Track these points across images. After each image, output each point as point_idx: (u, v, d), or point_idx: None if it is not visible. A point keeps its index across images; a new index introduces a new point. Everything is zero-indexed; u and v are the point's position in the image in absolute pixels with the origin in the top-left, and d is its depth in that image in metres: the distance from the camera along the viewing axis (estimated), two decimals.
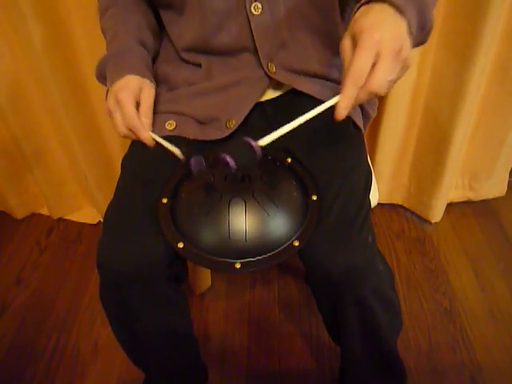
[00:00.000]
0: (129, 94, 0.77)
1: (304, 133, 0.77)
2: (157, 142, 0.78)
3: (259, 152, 0.61)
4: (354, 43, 0.60)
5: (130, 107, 0.77)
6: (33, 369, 1.20)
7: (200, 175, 0.70)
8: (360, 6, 0.64)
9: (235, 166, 0.60)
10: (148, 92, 0.82)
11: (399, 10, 0.60)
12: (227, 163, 0.60)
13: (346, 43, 0.62)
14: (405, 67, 0.61)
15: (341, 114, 0.61)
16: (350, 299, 0.77)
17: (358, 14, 0.63)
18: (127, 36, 0.87)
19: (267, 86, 0.88)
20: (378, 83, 0.58)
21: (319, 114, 0.65)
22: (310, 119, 0.66)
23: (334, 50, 0.83)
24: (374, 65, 0.58)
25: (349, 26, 0.63)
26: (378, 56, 0.58)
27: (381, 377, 0.95)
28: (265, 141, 0.62)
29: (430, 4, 0.66)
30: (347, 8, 0.86)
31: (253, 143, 0.61)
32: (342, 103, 0.60)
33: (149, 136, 0.78)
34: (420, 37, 0.66)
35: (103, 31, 0.92)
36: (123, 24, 0.89)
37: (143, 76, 0.82)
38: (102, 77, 0.86)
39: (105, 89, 0.85)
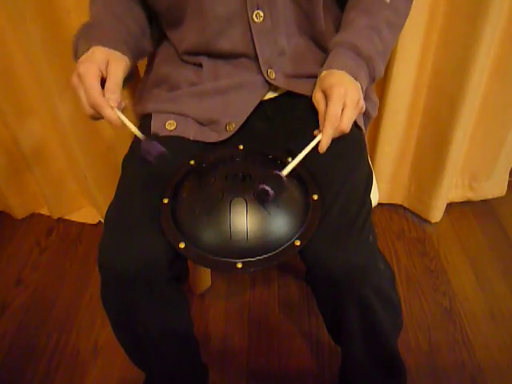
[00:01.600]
0: (92, 67, 0.71)
1: (305, 133, 0.78)
2: (121, 122, 0.72)
3: (285, 179, 0.72)
4: (325, 95, 0.78)
5: (92, 82, 0.70)
6: (33, 369, 1.20)
7: (158, 158, 0.69)
8: (322, 71, 0.81)
9: (272, 194, 0.70)
10: (115, 64, 0.74)
11: (354, 76, 0.79)
12: (268, 192, 0.69)
13: (319, 95, 0.79)
14: (361, 111, 0.80)
15: (323, 148, 0.75)
16: (350, 298, 0.78)
17: (323, 75, 0.80)
18: (102, 10, 0.83)
19: (267, 91, 0.89)
20: (346, 124, 0.75)
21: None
22: (311, 122, 0.80)
23: (322, 49, 0.90)
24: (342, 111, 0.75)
25: (317, 83, 0.82)
26: (344, 105, 0.75)
27: (381, 376, 0.95)
28: (286, 170, 0.73)
29: (375, 59, 0.83)
30: (329, 17, 0.90)
31: (280, 174, 0.72)
32: (323, 141, 0.75)
33: (113, 114, 0.70)
34: (372, 83, 0.88)
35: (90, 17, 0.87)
36: (104, 6, 0.85)
37: (112, 47, 0.76)
38: (75, 52, 0.81)
39: None
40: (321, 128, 0.77)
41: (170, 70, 0.92)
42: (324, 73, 0.81)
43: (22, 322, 1.31)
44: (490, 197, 1.60)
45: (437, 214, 1.53)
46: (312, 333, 1.25)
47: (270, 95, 0.92)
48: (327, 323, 0.94)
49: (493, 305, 1.29)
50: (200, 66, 0.90)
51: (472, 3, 1.10)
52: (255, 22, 0.83)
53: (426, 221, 1.56)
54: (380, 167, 1.49)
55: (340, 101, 0.75)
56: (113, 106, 0.71)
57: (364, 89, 0.81)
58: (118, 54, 0.76)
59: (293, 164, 0.73)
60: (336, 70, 0.79)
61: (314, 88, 0.88)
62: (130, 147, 0.92)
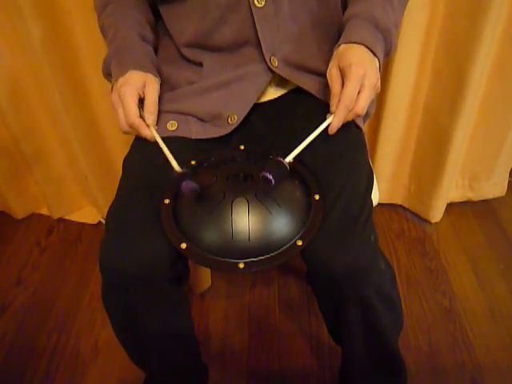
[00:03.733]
0: (131, 90, 0.78)
1: (306, 132, 0.77)
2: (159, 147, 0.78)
3: (287, 167, 0.72)
4: (342, 73, 0.75)
5: (131, 104, 0.77)
6: (33, 369, 1.20)
7: (190, 195, 0.72)
8: (340, 45, 0.79)
9: (273, 181, 0.70)
10: (152, 86, 0.82)
11: (372, 52, 0.77)
12: (268, 179, 0.69)
13: (335, 72, 0.76)
14: (377, 92, 0.78)
15: (333, 130, 0.75)
16: (352, 298, 0.78)
17: (341, 50, 0.78)
18: (129, 32, 0.87)
19: (269, 81, 0.88)
20: (362, 107, 0.74)
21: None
22: (312, 123, 0.78)
23: (331, 45, 0.86)
24: (358, 93, 0.74)
25: (334, 55, 0.79)
26: (362, 87, 0.73)
27: (382, 376, 0.95)
28: (290, 157, 0.73)
29: (392, 32, 0.81)
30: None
31: (283, 161, 0.72)
32: (335, 123, 0.75)
33: (150, 134, 0.79)
34: (386, 58, 0.85)
35: (102, 28, 0.91)
36: (124, 20, 0.89)
37: (146, 71, 0.83)
38: (108, 74, 0.87)
39: (107, 86, 0.85)
40: (332, 108, 0.75)
41: (170, 71, 0.92)
42: (342, 47, 0.78)
43: (22, 321, 1.31)
44: (490, 197, 1.60)
45: (437, 214, 1.53)
46: (312, 333, 1.25)
47: (272, 95, 0.91)
48: (328, 323, 0.94)
49: (493, 305, 1.29)
50: (200, 64, 0.90)
51: (472, 3, 1.10)
52: (257, 7, 0.81)
53: (426, 221, 1.56)
54: (380, 167, 1.49)
55: (358, 82, 0.73)
56: (149, 123, 0.80)
57: (381, 65, 0.79)
58: (151, 76, 0.84)
59: (298, 149, 0.73)
60: (355, 45, 0.77)
61: (316, 86, 0.88)
62: (131, 147, 0.92)
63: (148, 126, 0.81)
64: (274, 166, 0.71)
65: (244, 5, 0.82)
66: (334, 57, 0.80)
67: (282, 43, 0.86)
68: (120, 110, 0.78)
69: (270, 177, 0.69)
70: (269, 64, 0.85)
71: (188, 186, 0.71)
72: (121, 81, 0.80)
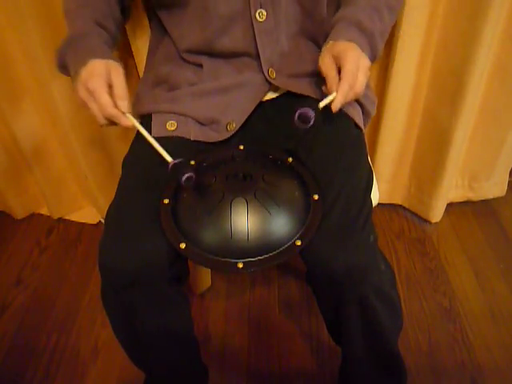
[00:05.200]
0: (99, 81, 0.74)
1: (305, 132, 0.78)
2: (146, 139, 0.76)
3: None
4: (336, 60, 0.77)
5: (104, 96, 0.74)
6: (33, 369, 1.20)
7: (187, 185, 0.72)
8: (328, 41, 0.81)
9: (312, 119, 0.71)
10: (117, 73, 0.76)
11: (361, 47, 0.79)
12: (308, 116, 0.71)
13: (328, 60, 0.78)
14: (368, 79, 0.80)
15: (337, 106, 0.75)
16: (351, 298, 0.78)
17: (330, 44, 0.80)
18: (86, 19, 0.83)
19: (267, 90, 0.89)
20: (361, 85, 0.76)
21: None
22: None
23: (319, 50, 0.88)
24: None
25: (324, 49, 0.81)
26: (358, 68, 0.75)
27: (381, 376, 0.95)
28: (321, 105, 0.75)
29: (377, 38, 0.83)
30: (331, 12, 0.89)
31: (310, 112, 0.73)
32: (338, 99, 0.74)
33: (128, 121, 0.75)
34: (372, 63, 0.85)
35: (64, 13, 0.87)
36: (83, 7, 0.85)
37: (107, 57, 0.78)
38: (63, 66, 0.82)
39: None
40: (332, 88, 0.76)
41: (170, 70, 0.92)
42: (331, 42, 0.80)
43: (22, 321, 1.31)
44: (490, 197, 1.60)
45: (437, 214, 1.53)
46: (312, 333, 1.25)
47: (271, 96, 0.92)
48: (328, 323, 0.94)
49: (493, 305, 1.29)
50: (200, 66, 0.90)
51: (472, 3, 1.10)
52: (258, 21, 0.83)
53: (426, 221, 1.56)
54: (380, 167, 1.49)
55: (355, 62, 0.75)
56: (124, 111, 0.75)
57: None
58: (113, 62, 0.78)
59: (326, 101, 0.74)
60: (344, 41, 0.79)
61: (311, 89, 0.88)
62: (131, 147, 0.92)
63: (123, 113, 0.76)
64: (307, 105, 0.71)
65: (246, 17, 0.83)
66: (323, 50, 0.81)
67: (280, 56, 0.88)
68: (92, 105, 0.75)
69: (312, 114, 0.70)
70: (266, 76, 0.87)
71: (184, 175, 0.70)
72: (84, 74, 0.75)
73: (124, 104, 0.75)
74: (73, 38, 0.81)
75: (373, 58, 0.83)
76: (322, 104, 0.74)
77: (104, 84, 0.74)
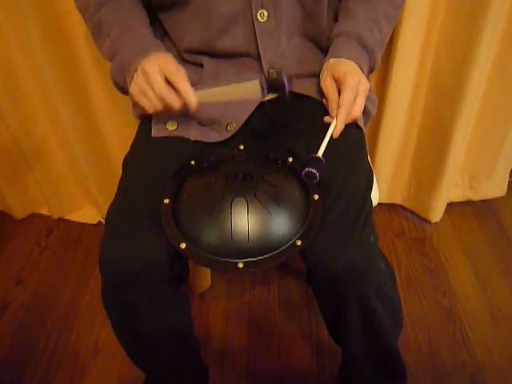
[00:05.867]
0: (156, 67, 0.75)
1: (305, 132, 0.78)
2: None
3: (324, 161, 0.76)
4: (338, 82, 0.80)
5: (160, 79, 0.74)
6: (33, 369, 1.20)
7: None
8: (329, 59, 0.85)
9: (318, 176, 0.73)
10: (173, 61, 0.79)
11: (359, 65, 0.83)
12: (314, 174, 0.73)
13: (329, 81, 0.82)
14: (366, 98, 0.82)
15: (338, 134, 0.78)
16: (351, 298, 0.78)
17: (331, 62, 0.84)
18: (139, 26, 0.85)
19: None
20: (359, 111, 0.79)
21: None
22: (311, 122, 0.86)
23: (321, 48, 0.92)
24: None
25: (324, 68, 0.85)
26: (357, 93, 0.78)
27: (382, 376, 0.95)
28: (320, 152, 0.76)
29: (377, 52, 0.88)
30: (331, 13, 0.91)
31: (320, 156, 0.76)
32: (338, 127, 0.78)
33: (195, 99, 0.75)
34: (369, 74, 0.92)
35: (98, 27, 0.87)
36: (130, 18, 0.86)
37: (163, 50, 0.81)
38: (118, 82, 0.84)
39: (107, 86, 0.82)
40: (331, 114, 0.80)
41: None
42: (332, 60, 0.84)
43: (22, 322, 1.31)
44: (490, 197, 1.60)
45: (437, 214, 1.53)
46: (312, 333, 1.25)
47: (271, 95, 0.92)
48: (328, 323, 0.94)
49: (493, 305, 1.29)
50: (201, 66, 0.90)
51: (472, 3, 1.10)
52: (259, 22, 0.83)
53: (426, 221, 1.56)
54: (380, 167, 1.49)
55: (354, 88, 0.78)
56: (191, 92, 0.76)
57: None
58: (167, 53, 0.81)
59: (324, 144, 0.76)
60: (344, 60, 0.83)
61: (312, 89, 0.88)
62: (131, 147, 0.92)
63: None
64: (312, 161, 0.74)
65: (247, 18, 0.83)
66: (324, 68, 0.85)
67: (281, 57, 0.88)
68: (149, 91, 0.75)
69: (316, 171, 0.72)
70: (267, 76, 0.87)
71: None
72: (143, 62, 0.76)
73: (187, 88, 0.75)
74: (142, 49, 0.81)
75: (371, 70, 0.89)
76: (320, 151, 0.76)
77: (159, 71, 0.75)
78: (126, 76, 0.80)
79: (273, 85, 0.77)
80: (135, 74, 0.77)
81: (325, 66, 0.85)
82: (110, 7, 0.87)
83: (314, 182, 0.74)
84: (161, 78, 0.75)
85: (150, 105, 0.76)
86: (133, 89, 0.77)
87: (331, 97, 0.81)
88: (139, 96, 0.76)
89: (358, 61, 0.83)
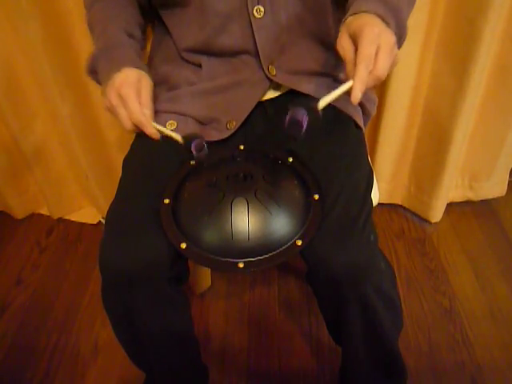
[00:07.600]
0: (131, 89, 0.77)
1: (305, 132, 0.77)
2: (160, 132, 0.78)
3: (320, 113, 0.66)
4: (353, 40, 0.67)
5: (135, 103, 0.76)
6: (33, 369, 1.20)
7: (200, 158, 0.73)
8: (347, 17, 0.71)
9: (304, 126, 0.64)
10: (146, 83, 0.81)
11: (384, 20, 0.68)
12: (299, 123, 0.63)
13: (345, 40, 0.68)
14: (394, 63, 0.67)
15: (357, 96, 0.64)
16: (351, 298, 0.78)
17: (349, 20, 0.69)
18: (117, 30, 0.86)
19: (267, 88, 0.89)
20: (382, 68, 0.64)
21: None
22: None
23: (326, 46, 0.87)
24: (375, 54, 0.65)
25: (341, 27, 0.70)
26: (378, 47, 0.64)
27: (382, 376, 0.95)
28: (321, 105, 0.67)
29: (406, 15, 0.75)
30: (337, 12, 0.86)
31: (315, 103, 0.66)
32: (357, 87, 0.64)
33: (155, 131, 0.77)
34: (399, 46, 0.72)
35: (90, 25, 0.90)
36: (112, 18, 0.87)
37: (139, 67, 0.81)
38: (94, 72, 0.85)
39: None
40: (350, 74, 0.66)
41: (170, 70, 0.92)
42: (350, 18, 0.70)
43: (22, 321, 1.31)
44: (490, 197, 1.60)
45: (437, 214, 1.53)
46: (312, 333, 1.25)
47: (271, 95, 0.92)
48: (328, 323, 0.94)
49: (493, 305, 1.29)
50: (199, 65, 0.90)
51: (472, 3, 1.10)
52: (256, 18, 0.82)
53: (426, 221, 1.56)
54: (380, 167, 1.49)
55: (374, 41, 0.64)
56: (150, 120, 0.77)
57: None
58: (143, 72, 0.81)
59: (327, 100, 0.66)
60: (364, 13, 0.68)
61: (312, 87, 0.88)
62: (131, 147, 0.92)
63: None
64: (308, 112, 0.64)
65: (243, 15, 0.83)
66: (341, 28, 0.71)
67: (280, 53, 0.87)
68: (121, 110, 0.77)
69: (302, 120, 0.63)
70: (267, 73, 0.87)
71: (196, 146, 0.72)
72: (117, 79, 0.78)
73: (148, 113, 0.78)
74: (107, 47, 0.84)
75: (399, 37, 0.71)
76: (322, 104, 0.66)
77: (135, 92, 0.77)
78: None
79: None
80: (109, 87, 0.79)
81: (342, 25, 0.71)
82: (100, 5, 0.89)
83: (300, 133, 0.64)
84: (136, 102, 0.77)
85: (124, 124, 0.78)
86: (107, 102, 0.79)
87: (348, 57, 0.67)
88: (112, 110, 0.79)
89: (383, 14, 0.68)
